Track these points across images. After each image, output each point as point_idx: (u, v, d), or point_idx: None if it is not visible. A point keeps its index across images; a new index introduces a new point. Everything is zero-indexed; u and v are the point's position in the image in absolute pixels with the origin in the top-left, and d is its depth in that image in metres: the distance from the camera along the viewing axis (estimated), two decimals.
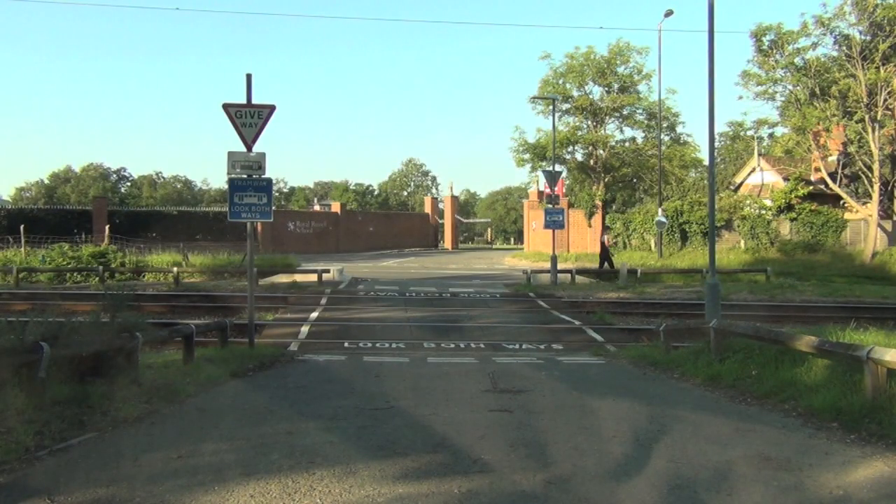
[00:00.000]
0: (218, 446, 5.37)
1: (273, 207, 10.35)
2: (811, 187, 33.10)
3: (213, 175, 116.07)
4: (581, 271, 24.31)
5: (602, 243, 26.56)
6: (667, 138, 37.96)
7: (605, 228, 27.41)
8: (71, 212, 41.41)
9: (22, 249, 25.32)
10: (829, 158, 31.71)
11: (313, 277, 21.50)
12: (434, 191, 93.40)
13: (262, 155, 10.09)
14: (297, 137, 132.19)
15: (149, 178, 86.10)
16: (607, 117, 38.31)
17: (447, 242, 58.83)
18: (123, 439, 5.53)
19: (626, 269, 23.05)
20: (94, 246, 25.81)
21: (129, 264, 23.95)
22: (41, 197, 73.40)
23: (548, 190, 24.33)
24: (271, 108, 10.06)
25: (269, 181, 10.23)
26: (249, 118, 9.95)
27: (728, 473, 4.75)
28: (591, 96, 37.71)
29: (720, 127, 55.82)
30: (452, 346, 12.15)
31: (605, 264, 25.41)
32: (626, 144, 39.11)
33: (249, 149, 10.04)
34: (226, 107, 9.94)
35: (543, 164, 36.07)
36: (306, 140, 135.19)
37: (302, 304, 17.07)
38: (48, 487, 4.31)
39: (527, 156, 38.63)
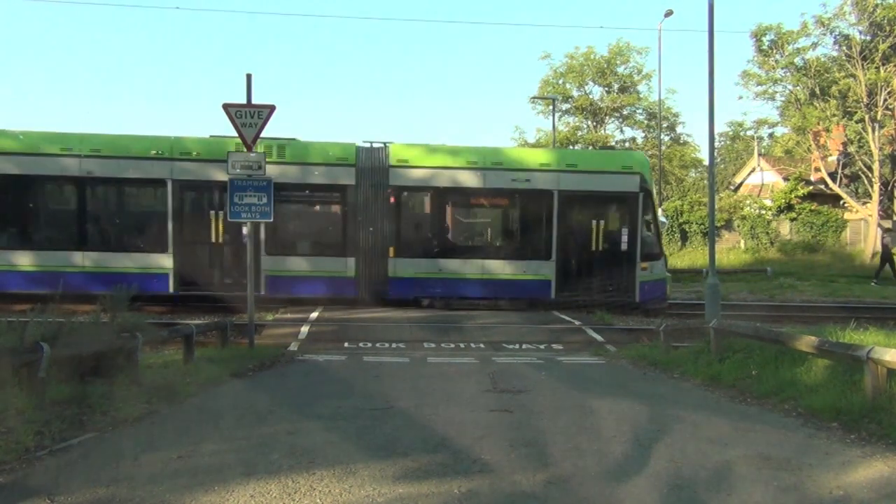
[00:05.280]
0: (218, 446, 5.37)
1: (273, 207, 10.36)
2: (811, 187, 33.07)
3: None
4: None
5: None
6: (667, 138, 38.02)
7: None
8: None
9: None
10: (829, 158, 31.69)
11: None
12: None
13: (262, 155, 10.10)
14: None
15: None
16: (607, 117, 38.37)
17: None
18: (123, 439, 5.52)
19: None
20: None
21: None
22: None
23: None
24: (271, 108, 10.05)
25: (270, 181, 10.22)
26: (249, 118, 9.94)
27: (728, 473, 4.74)
28: (591, 96, 37.76)
29: (720, 127, 55.68)
30: (452, 346, 12.13)
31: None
32: (626, 144, 39.13)
33: (249, 149, 10.05)
34: (226, 107, 9.93)
35: None
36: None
37: (302, 304, 17.01)
38: (48, 487, 4.30)
39: None
